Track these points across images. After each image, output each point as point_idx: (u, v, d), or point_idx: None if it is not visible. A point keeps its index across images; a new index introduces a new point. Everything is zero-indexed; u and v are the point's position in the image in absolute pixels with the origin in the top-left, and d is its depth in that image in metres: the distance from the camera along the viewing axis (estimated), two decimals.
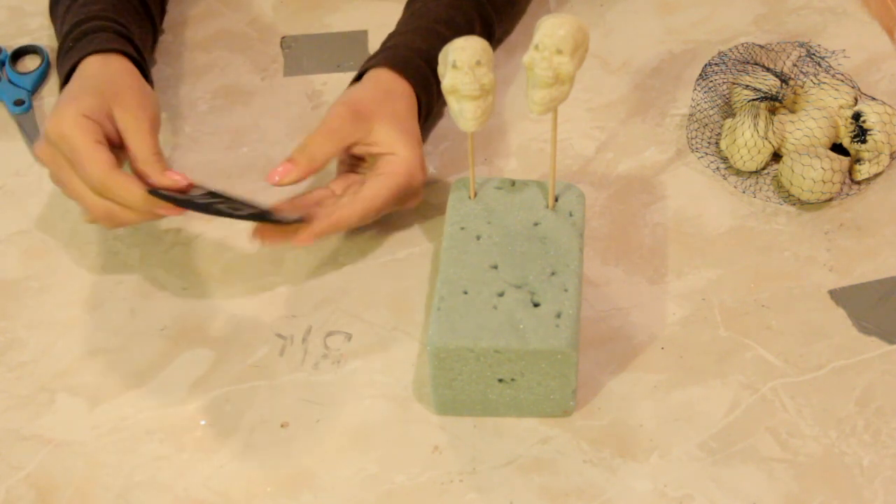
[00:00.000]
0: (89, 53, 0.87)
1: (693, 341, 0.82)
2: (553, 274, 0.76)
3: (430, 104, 0.91)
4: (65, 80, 0.87)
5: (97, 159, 0.79)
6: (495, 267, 0.77)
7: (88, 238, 0.90)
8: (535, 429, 0.77)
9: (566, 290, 0.75)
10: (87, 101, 0.82)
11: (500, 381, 0.75)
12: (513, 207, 0.81)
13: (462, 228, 0.79)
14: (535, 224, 0.79)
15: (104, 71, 0.86)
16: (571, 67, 0.74)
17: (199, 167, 0.94)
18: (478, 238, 0.79)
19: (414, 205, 0.87)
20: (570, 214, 0.80)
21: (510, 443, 0.77)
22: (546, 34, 0.74)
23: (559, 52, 0.74)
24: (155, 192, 0.79)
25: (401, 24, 0.95)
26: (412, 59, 0.89)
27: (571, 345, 0.73)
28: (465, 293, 0.75)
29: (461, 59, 0.75)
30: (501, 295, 0.75)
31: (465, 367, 0.74)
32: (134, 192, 0.79)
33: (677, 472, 0.75)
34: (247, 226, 0.82)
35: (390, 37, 0.94)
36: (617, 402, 0.78)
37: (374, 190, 0.83)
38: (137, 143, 0.82)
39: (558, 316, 0.74)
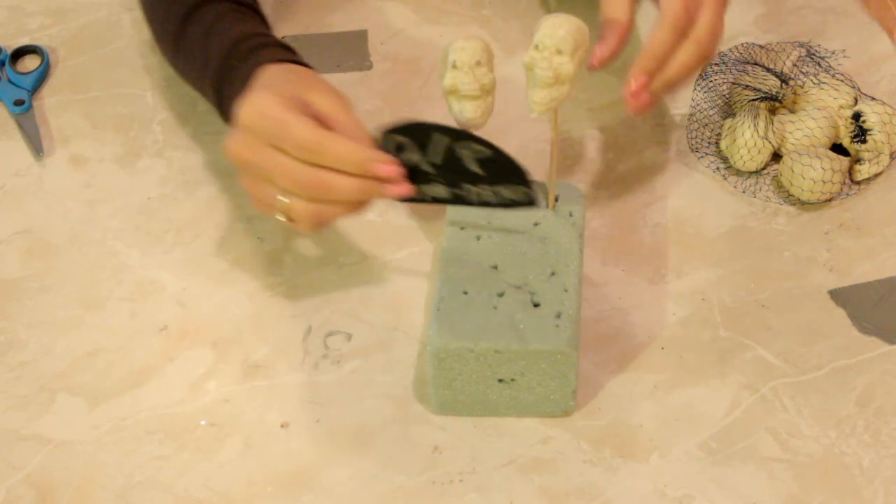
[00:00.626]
0: (262, 63, 0.81)
1: (693, 341, 0.82)
2: (553, 274, 0.76)
3: None
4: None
5: (307, 122, 0.73)
6: (495, 267, 0.77)
7: (88, 238, 0.90)
8: (535, 429, 0.77)
9: (566, 290, 0.75)
10: (280, 88, 0.76)
11: (500, 381, 0.75)
12: None
13: (462, 228, 0.79)
14: (535, 224, 0.79)
15: (284, 70, 0.81)
16: (571, 67, 0.74)
17: (199, 167, 0.94)
18: (478, 238, 0.79)
19: None
20: (570, 214, 0.80)
21: (510, 443, 0.77)
22: (546, 34, 0.74)
23: (559, 52, 0.74)
24: (389, 134, 0.73)
25: None
26: None
27: (571, 345, 0.73)
28: (465, 293, 0.75)
29: (461, 60, 0.75)
30: (501, 295, 0.75)
31: (465, 368, 0.74)
32: (350, 146, 0.73)
33: (677, 472, 0.75)
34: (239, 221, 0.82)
35: None
36: (617, 402, 0.78)
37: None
38: (345, 121, 0.76)
39: (558, 316, 0.74)
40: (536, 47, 0.74)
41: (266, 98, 0.74)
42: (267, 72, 0.80)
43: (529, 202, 0.76)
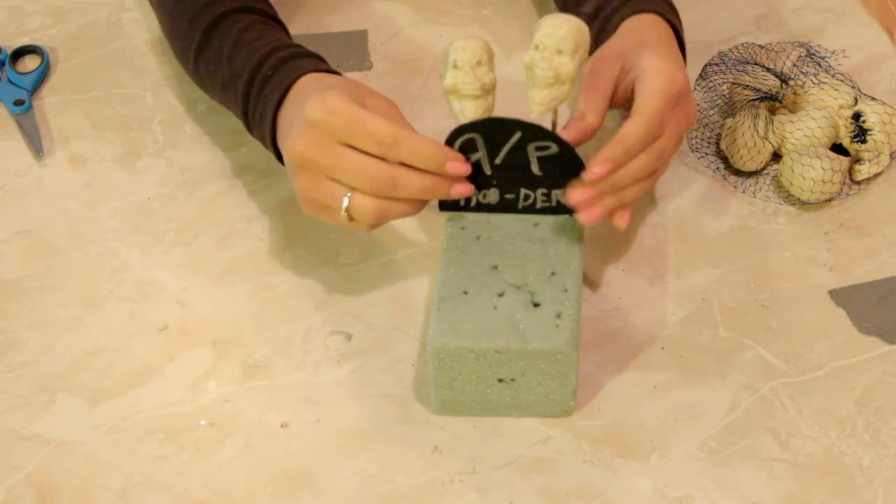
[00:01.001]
0: (301, 75, 0.81)
1: (693, 341, 0.82)
2: (553, 274, 0.76)
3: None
4: (277, 105, 0.81)
5: (381, 117, 0.74)
6: (495, 267, 0.77)
7: (88, 238, 0.90)
8: (535, 429, 0.77)
9: (566, 291, 0.75)
10: (340, 89, 0.76)
11: (500, 381, 0.75)
12: None
13: (462, 228, 0.79)
14: (535, 224, 0.79)
15: (328, 77, 0.81)
16: (572, 67, 0.74)
17: (199, 167, 0.94)
18: (478, 238, 0.79)
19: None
20: (571, 214, 0.80)
21: (510, 443, 0.77)
22: (546, 34, 0.74)
23: (559, 52, 0.74)
24: (461, 132, 0.75)
25: None
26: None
27: (571, 345, 0.73)
28: (466, 293, 0.75)
29: (462, 59, 0.75)
30: (501, 295, 0.75)
31: (465, 368, 0.74)
32: (427, 141, 0.74)
33: (677, 472, 0.75)
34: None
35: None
36: (617, 402, 0.78)
37: (641, 98, 0.78)
38: (400, 123, 0.77)
39: (558, 316, 0.74)
40: (536, 47, 0.74)
41: (335, 96, 0.75)
42: (313, 79, 0.80)
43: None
